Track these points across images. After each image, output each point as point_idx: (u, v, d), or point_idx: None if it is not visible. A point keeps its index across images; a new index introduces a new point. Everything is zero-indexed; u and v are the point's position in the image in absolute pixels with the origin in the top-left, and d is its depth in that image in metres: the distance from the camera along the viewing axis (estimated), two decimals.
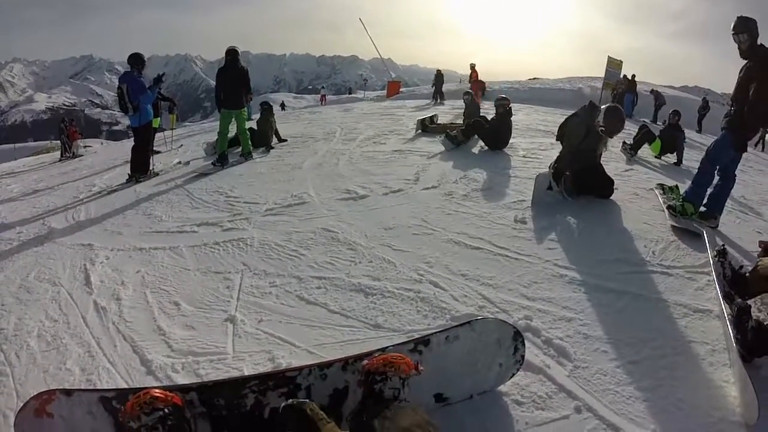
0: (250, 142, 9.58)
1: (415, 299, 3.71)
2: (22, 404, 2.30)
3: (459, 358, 2.53)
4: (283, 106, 39.31)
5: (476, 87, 20.71)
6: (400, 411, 1.99)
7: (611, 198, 5.56)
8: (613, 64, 20.67)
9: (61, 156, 18.33)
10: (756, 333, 2.71)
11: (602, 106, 5.67)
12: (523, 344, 2.64)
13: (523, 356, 2.66)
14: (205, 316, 3.82)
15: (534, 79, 31.92)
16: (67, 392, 2.29)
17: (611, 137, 5.62)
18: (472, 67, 23.60)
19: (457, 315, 3.43)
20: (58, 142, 20.31)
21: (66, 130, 19.17)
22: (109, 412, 2.27)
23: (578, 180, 5.54)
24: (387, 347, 2.45)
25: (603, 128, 5.41)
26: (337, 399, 2.40)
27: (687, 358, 2.96)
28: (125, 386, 3.02)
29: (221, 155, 9.04)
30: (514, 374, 2.68)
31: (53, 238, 6.01)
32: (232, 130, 9.41)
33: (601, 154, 5.73)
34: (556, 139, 6.04)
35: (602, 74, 20.98)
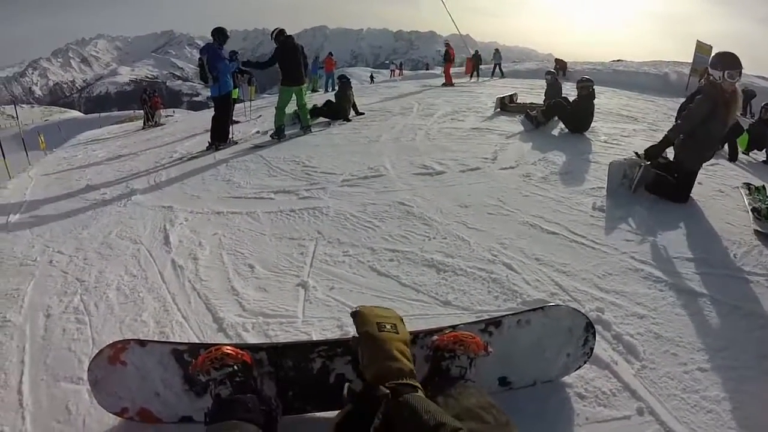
0: (309, 116, 9.77)
1: (487, 279, 3.67)
2: (97, 351, 2.40)
3: (528, 343, 2.48)
4: (372, 78, 39.75)
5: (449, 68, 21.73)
6: (465, 390, 1.98)
7: (692, 194, 5.28)
8: (702, 50, 19.66)
9: (144, 124, 18.90)
10: None
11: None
12: (594, 336, 2.57)
13: (592, 349, 2.59)
14: (278, 279, 3.89)
15: (617, 61, 30.71)
16: (141, 342, 2.37)
17: (727, 76, 4.79)
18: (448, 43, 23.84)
19: (529, 299, 3.37)
20: (141, 111, 20.95)
21: (149, 99, 19.76)
22: (180, 364, 2.33)
23: (664, 184, 5.23)
24: (458, 325, 2.42)
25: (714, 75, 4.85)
26: None
27: (759, 373, 2.79)
28: (197, 341, 3.12)
29: (278, 129, 9.22)
30: (580, 366, 2.62)
31: (135, 199, 6.29)
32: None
33: (715, 149, 5.30)
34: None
35: (690, 60, 20.03)
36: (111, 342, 2.38)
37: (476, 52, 26.14)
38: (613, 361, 2.79)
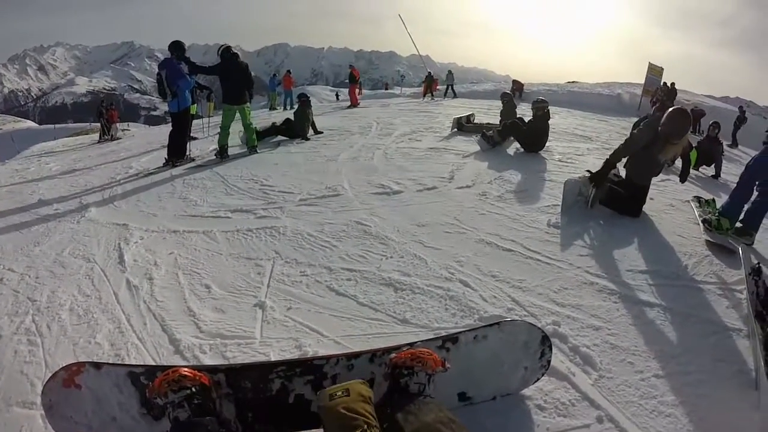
0: (255, 137, 9.67)
1: (444, 297, 3.70)
2: (50, 375, 2.35)
3: (485, 358, 2.52)
4: (337, 96, 40.11)
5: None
6: (424, 406, 2.01)
7: (644, 209, 5.43)
8: (654, 71, 20.37)
9: (100, 138, 18.68)
10: None
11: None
12: (551, 349, 2.62)
13: (549, 361, 2.64)
14: (235, 300, 3.86)
15: (572, 82, 31.58)
16: (97, 365, 2.33)
17: (676, 139, 5.07)
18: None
19: (486, 316, 3.41)
20: (98, 124, 20.63)
21: (106, 112, 19.49)
22: (137, 387, 2.30)
23: (617, 198, 5.37)
24: (415, 342, 2.45)
25: (663, 130, 5.03)
26: None
27: (713, 377, 2.90)
28: (153, 363, 3.08)
29: (221, 148, 9.10)
30: (538, 379, 2.66)
31: (90, 216, 6.15)
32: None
33: (662, 167, 5.43)
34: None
35: (642, 81, 20.68)
36: (65, 365, 2.34)
37: (429, 73, 26.67)
38: (570, 373, 2.84)
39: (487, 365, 2.53)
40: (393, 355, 2.30)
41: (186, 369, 2.19)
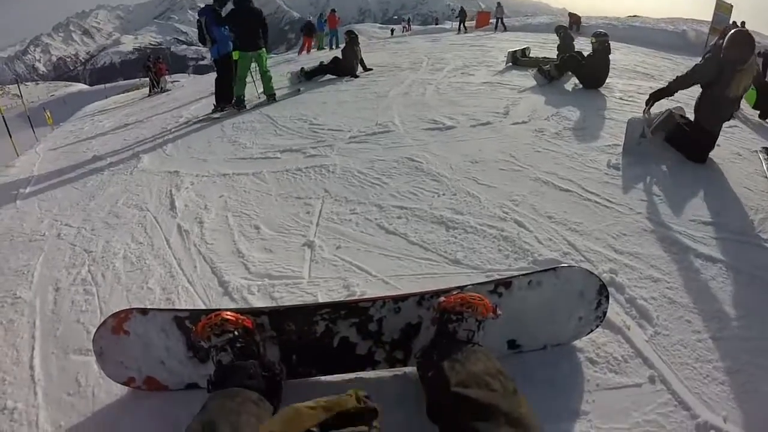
0: (272, 84, 9.39)
1: (497, 237, 3.58)
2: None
3: (539, 305, 2.40)
4: (392, 32, 39.97)
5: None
6: (472, 355, 1.93)
7: (710, 155, 5.07)
8: (722, 8, 19.20)
9: (150, 92, 18.96)
10: None
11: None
12: (607, 300, 2.47)
13: (604, 312, 2.50)
14: (284, 240, 3.85)
15: (633, 16, 30.20)
16: (143, 311, 2.35)
17: (741, 64, 4.64)
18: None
19: (540, 259, 3.29)
20: (147, 79, 20.89)
21: (153, 66, 19.71)
22: (182, 331, 2.32)
23: (683, 136, 5.05)
24: (466, 286, 2.33)
25: (726, 56, 4.64)
26: (408, 334, 2.35)
27: None
28: (202, 306, 3.12)
29: (238, 99, 8.96)
30: (592, 330, 2.53)
31: (141, 166, 6.29)
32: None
33: (732, 107, 5.05)
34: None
35: (709, 18, 19.57)
36: (113, 312, 2.38)
37: (461, 8, 27.52)
38: (625, 326, 2.70)
39: (539, 313, 2.41)
40: (442, 298, 2.21)
41: (229, 312, 2.18)
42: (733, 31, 4.80)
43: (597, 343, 2.56)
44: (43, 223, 4.97)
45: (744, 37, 4.66)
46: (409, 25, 42.62)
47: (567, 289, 2.40)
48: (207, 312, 2.24)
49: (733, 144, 5.72)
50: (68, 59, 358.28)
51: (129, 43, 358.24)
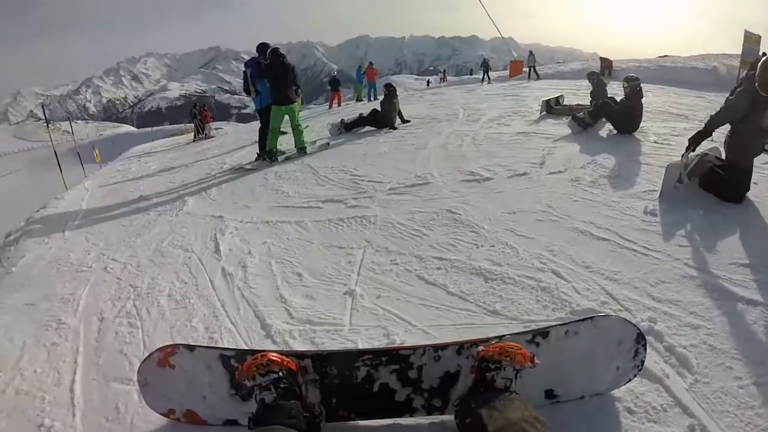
0: (304, 137, 9.52)
1: (535, 288, 3.61)
2: (147, 354, 2.50)
3: (576, 354, 2.43)
4: (428, 83, 40.66)
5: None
6: (509, 403, 1.97)
7: (748, 195, 5.01)
8: (751, 41, 18.99)
9: (195, 137, 19.42)
10: None
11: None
12: (645, 348, 2.49)
13: (642, 361, 2.50)
14: (325, 287, 3.94)
15: (664, 56, 29.97)
16: (190, 347, 2.45)
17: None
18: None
19: (578, 309, 3.30)
20: (192, 125, 21.53)
21: (199, 113, 20.24)
22: (227, 369, 2.41)
23: (715, 179, 5.03)
24: (504, 335, 2.40)
25: (760, 82, 4.51)
26: (446, 382, 2.39)
27: None
28: (245, 347, 3.21)
29: (270, 152, 9.07)
30: (630, 380, 2.53)
31: (187, 209, 6.53)
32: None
33: (766, 139, 5.06)
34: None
35: (739, 51, 19.36)
36: (161, 346, 2.48)
37: (484, 59, 27.83)
38: (664, 375, 2.68)
39: (577, 362, 2.44)
40: (481, 348, 2.27)
41: (274, 354, 2.26)
42: (764, 58, 4.74)
43: (635, 393, 2.55)
44: (89, 255, 5.21)
45: None
46: (446, 77, 43.52)
47: (604, 338, 2.42)
48: (252, 352, 2.33)
49: None
50: (117, 102, 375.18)
51: (175, 90, 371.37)
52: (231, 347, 3.00)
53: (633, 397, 2.53)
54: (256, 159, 9.21)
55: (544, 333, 2.42)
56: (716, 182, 5.03)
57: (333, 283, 4.01)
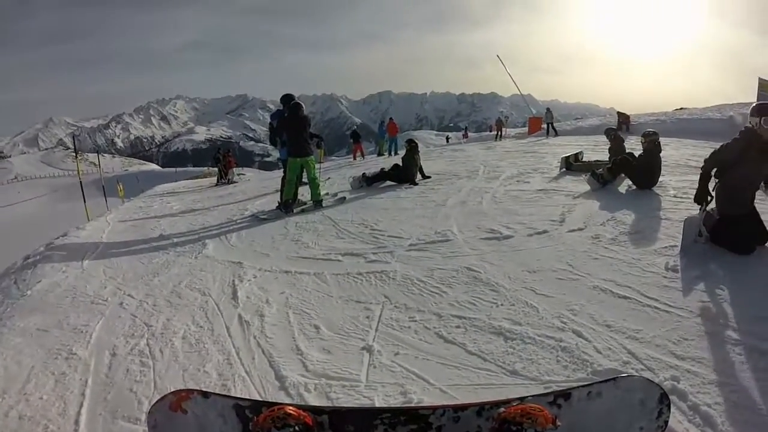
0: (320, 191, 9.58)
1: (556, 348, 3.56)
2: (158, 396, 2.53)
3: (598, 416, 2.39)
4: (448, 139, 41.47)
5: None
6: None
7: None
8: (765, 87, 19.11)
9: (218, 181, 19.87)
10: None
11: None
12: (669, 408, 2.44)
13: (666, 422, 2.45)
14: (342, 342, 3.92)
15: (681, 109, 30.12)
16: (205, 394, 2.46)
17: (763, 122, 4.71)
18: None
19: (600, 369, 3.24)
20: (215, 168, 21.95)
21: (223, 158, 20.68)
22: (240, 419, 2.39)
23: (721, 230, 5.02)
24: (526, 397, 2.38)
25: (751, 122, 4.79)
26: None
27: None
28: (258, 397, 3.18)
29: (285, 203, 9.12)
30: None
31: (206, 252, 6.60)
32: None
33: (759, 182, 5.06)
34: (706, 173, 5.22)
35: (754, 99, 19.44)
36: (174, 389, 2.50)
37: (498, 117, 27.94)
38: None
39: (599, 424, 2.40)
40: (502, 409, 2.24)
41: (291, 407, 2.25)
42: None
43: None
44: (106, 289, 5.29)
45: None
46: (467, 133, 44.43)
47: (627, 398, 2.39)
48: (268, 404, 2.33)
49: None
50: (145, 139, 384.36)
51: (202, 133, 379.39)
52: (245, 397, 2.98)
53: None
54: (276, 208, 9.30)
55: (566, 395, 2.39)
56: (722, 235, 5.02)
57: (350, 337, 3.99)
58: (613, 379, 2.45)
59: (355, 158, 23.77)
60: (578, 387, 2.44)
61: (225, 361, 3.71)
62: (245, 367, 3.62)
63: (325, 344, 3.90)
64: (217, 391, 2.99)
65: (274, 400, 2.74)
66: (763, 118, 4.70)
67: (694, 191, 5.22)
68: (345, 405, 2.97)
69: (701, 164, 5.22)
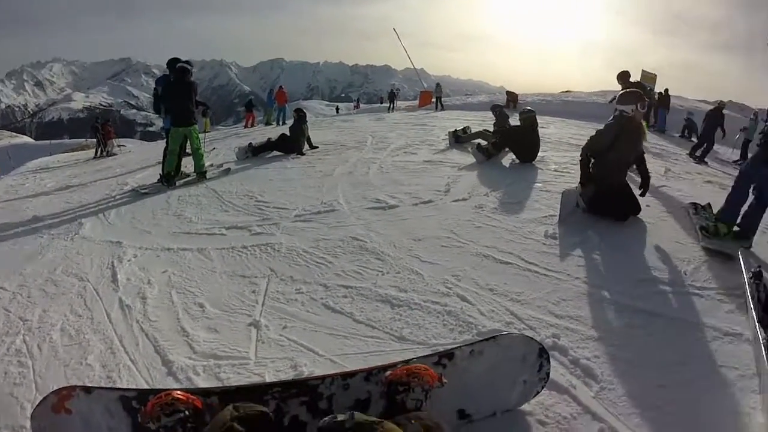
0: (204, 161, 9.14)
1: (441, 312, 3.65)
2: (40, 397, 2.33)
3: (483, 373, 2.49)
4: (337, 109, 41.37)
5: None
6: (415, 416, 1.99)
7: (641, 216, 5.41)
8: (647, 78, 20.41)
9: (96, 154, 18.73)
10: None
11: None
12: (549, 361, 2.58)
13: (548, 374, 2.60)
14: (229, 319, 3.81)
15: (566, 92, 31.64)
16: (87, 389, 2.31)
17: (636, 109, 5.21)
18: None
19: (484, 330, 3.36)
20: (94, 140, 20.71)
21: (101, 129, 19.52)
22: (128, 412, 2.27)
23: (598, 201, 5.39)
24: (411, 359, 2.42)
25: (622, 109, 5.25)
26: (358, 410, 2.33)
27: (715, 383, 2.88)
28: (145, 386, 3.04)
29: (167, 175, 8.60)
30: (538, 392, 2.62)
31: (83, 233, 6.18)
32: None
33: (642, 156, 5.55)
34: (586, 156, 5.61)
35: None
36: (55, 389, 2.32)
37: (391, 90, 28.37)
38: (571, 386, 2.80)
39: (485, 380, 2.49)
40: (388, 372, 2.27)
41: (179, 392, 2.16)
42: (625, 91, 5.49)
43: (545, 405, 2.65)
44: None
45: (631, 90, 5.45)
46: (359, 104, 44.82)
47: (508, 355, 2.49)
48: (155, 392, 2.22)
49: (663, 203, 6.13)
50: (17, 108, 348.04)
51: (80, 101, 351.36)
52: (132, 388, 2.83)
53: (543, 410, 2.63)
54: (158, 181, 8.74)
55: (449, 354, 2.46)
56: (599, 205, 5.39)
57: (237, 314, 3.89)
58: (494, 337, 2.54)
59: (246, 126, 23.36)
60: (461, 346, 2.52)
61: (108, 350, 3.50)
62: (130, 355, 3.43)
63: (211, 323, 3.78)
64: (101, 385, 2.85)
65: (162, 387, 2.59)
66: (639, 103, 5.16)
67: (574, 166, 5.54)
68: (235, 384, 2.89)
69: (581, 145, 5.56)
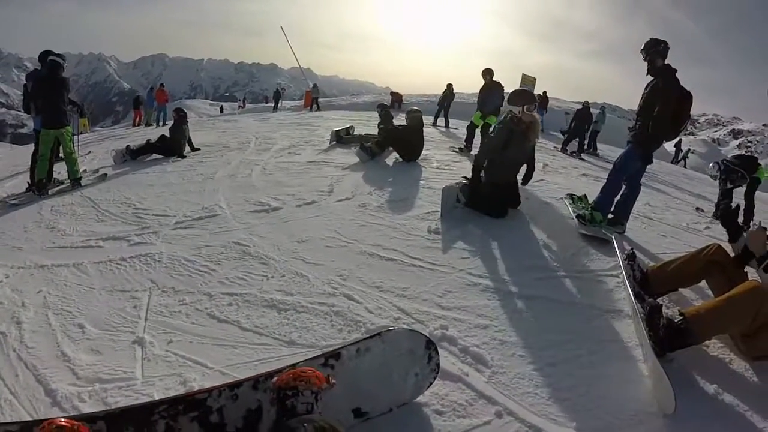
0: (77, 167, 8.44)
1: (329, 313, 3.68)
2: None
3: (373, 370, 2.52)
4: (222, 109, 40.33)
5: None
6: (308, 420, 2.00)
7: (521, 209, 5.73)
8: (527, 81, 21.45)
9: None
10: (667, 329, 2.89)
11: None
12: (437, 352, 2.65)
13: (438, 364, 2.67)
14: (111, 338, 3.63)
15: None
16: None
17: (526, 110, 5.48)
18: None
19: (372, 327, 3.42)
20: None
21: None
22: None
23: (480, 199, 5.67)
24: (297, 363, 2.42)
25: (515, 110, 5.51)
26: (251, 420, 2.34)
27: (602, 357, 3.10)
28: (29, 419, 2.83)
29: (39, 183, 7.81)
30: (431, 383, 2.69)
31: None
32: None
33: (533, 155, 5.95)
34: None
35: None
36: None
37: (276, 89, 28.31)
38: (463, 373, 2.92)
39: (376, 377, 2.53)
40: (275, 378, 2.26)
41: (63, 420, 2.06)
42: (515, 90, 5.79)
43: (440, 395, 2.74)
44: None
45: (520, 89, 5.78)
46: (244, 104, 44.19)
47: (396, 350, 2.54)
48: (39, 422, 2.10)
49: (542, 195, 6.51)
50: None
51: None
52: (12, 421, 2.64)
53: (439, 399, 2.73)
54: (28, 189, 7.95)
55: (336, 355, 2.47)
56: (479, 201, 5.66)
57: (119, 332, 3.71)
58: (378, 334, 2.57)
59: (134, 125, 22.48)
60: (347, 346, 2.54)
61: None
62: (9, 387, 3.19)
63: (92, 344, 3.59)
64: None
65: (45, 417, 2.44)
66: (525, 106, 5.44)
67: (456, 163, 5.75)
68: (121, 406, 2.76)
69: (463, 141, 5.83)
